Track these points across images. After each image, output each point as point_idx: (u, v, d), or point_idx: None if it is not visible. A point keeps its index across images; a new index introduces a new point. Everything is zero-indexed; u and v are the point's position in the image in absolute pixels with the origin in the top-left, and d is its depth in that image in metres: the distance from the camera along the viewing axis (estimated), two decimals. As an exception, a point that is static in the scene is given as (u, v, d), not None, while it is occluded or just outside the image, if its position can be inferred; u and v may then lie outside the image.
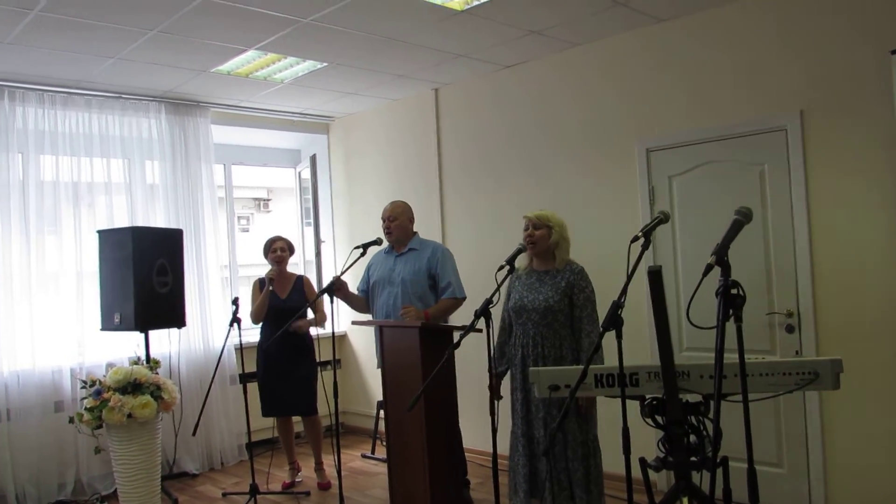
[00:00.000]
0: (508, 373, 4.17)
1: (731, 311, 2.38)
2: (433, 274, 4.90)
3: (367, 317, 5.25)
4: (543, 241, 4.00)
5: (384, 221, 5.01)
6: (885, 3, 4.10)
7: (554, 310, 3.91)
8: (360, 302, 5.20)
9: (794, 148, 4.47)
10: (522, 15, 4.83)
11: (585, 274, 3.99)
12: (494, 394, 3.87)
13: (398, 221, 4.99)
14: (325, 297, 4.83)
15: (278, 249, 5.63)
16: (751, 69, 4.65)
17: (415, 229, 5.12)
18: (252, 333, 6.09)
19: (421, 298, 4.84)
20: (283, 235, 5.79)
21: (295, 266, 7.08)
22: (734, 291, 2.38)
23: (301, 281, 5.74)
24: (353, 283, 5.35)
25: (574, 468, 3.84)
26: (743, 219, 2.64)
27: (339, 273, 4.88)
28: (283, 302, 5.54)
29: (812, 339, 4.43)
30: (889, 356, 4.13)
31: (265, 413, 5.64)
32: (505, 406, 4.08)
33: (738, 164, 4.74)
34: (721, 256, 2.44)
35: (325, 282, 6.25)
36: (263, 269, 5.71)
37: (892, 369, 4.13)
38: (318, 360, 5.63)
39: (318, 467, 5.81)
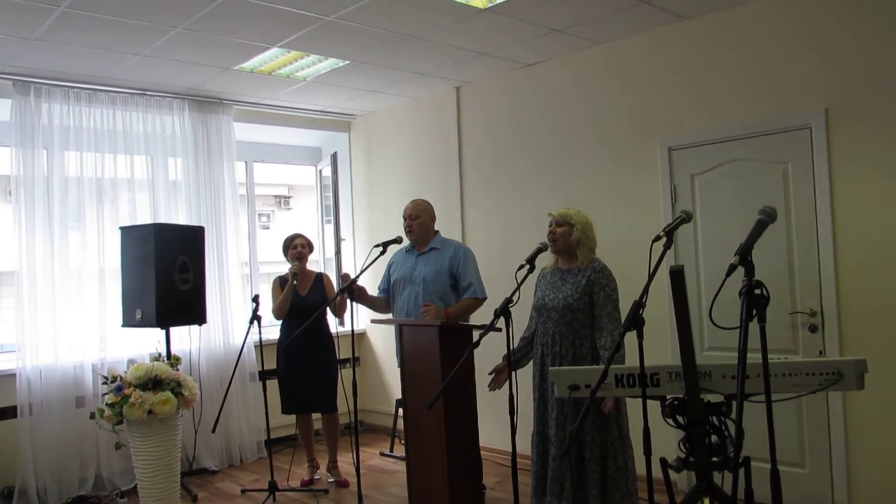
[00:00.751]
0: (531, 371, 4.14)
1: (754, 312, 2.35)
2: (454, 273, 4.89)
3: (388, 315, 5.25)
4: (565, 238, 3.97)
5: (406, 220, 5.01)
6: (913, 1, 4.06)
7: (573, 308, 3.88)
8: (380, 303, 5.21)
9: (819, 146, 4.42)
10: (545, 13, 4.81)
11: (608, 272, 3.94)
12: (492, 381, 4.00)
13: (420, 220, 4.98)
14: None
15: (299, 245, 5.65)
16: (775, 67, 4.60)
17: (436, 228, 5.11)
18: (272, 331, 6.11)
19: (442, 298, 4.83)
20: (302, 233, 5.81)
21: (315, 264, 7.11)
22: (758, 292, 2.36)
23: (321, 278, 5.76)
24: (372, 281, 5.35)
25: (591, 469, 3.81)
26: (767, 218, 2.61)
27: (358, 272, 4.88)
28: (304, 299, 5.56)
29: (836, 339, 4.38)
30: (915, 358, 4.08)
31: (284, 410, 5.65)
32: (525, 405, 4.08)
33: (762, 162, 4.69)
34: (745, 256, 2.42)
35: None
36: (284, 266, 5.72)
37: (918, 372, 4.08)
38: (338, 357, 5.64)
39: (333, 466, 5.82)
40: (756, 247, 2.48)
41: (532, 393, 4.10)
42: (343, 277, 4.90)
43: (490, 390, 4.19)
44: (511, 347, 3.75)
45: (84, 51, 5.16)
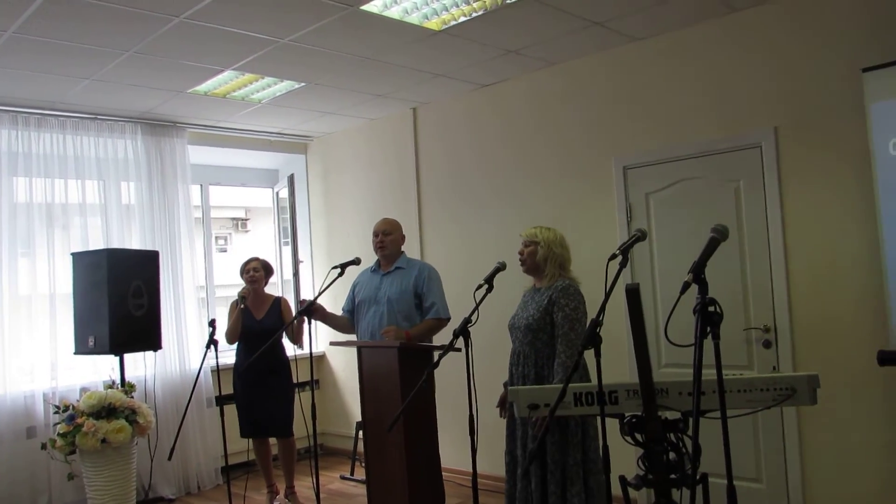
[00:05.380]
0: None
1: (708, 329, 2.38)
2: (419, 293, 4.85)
3: (346, 337, 5.21)
4: (531, 258, 3.98)
5: (377, 236, 4.95)
6: (857, 22, 4.17)
7: (533, 328, 3.86)
8: (341, 322, 5.13)
9: (769, 164, 4.52)
10: (499, 35, 4.86)
11: (570, 290, 3.86)
12: (501, 410, 3.94)
13: (392, 236, 4.95)
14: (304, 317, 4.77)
15: (251, 270, 5.58)
16: (725, 87, 4.70)
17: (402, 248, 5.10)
18: (229, 355, 6.03)
19: (407, 318, 4.79)
20: (260, 256, 5.75)
21: (273, 286, 7.04)
22: (711, 309, 2.38)
23: (279, 302, 5.69)
24: (331, 302, 5.31)
25: (551, 491, 3.79)
26: (719, 236, 2.64)
27: (316, 294, 4.84)
28: (259, 323, 5.49)
29: (789, 354, 4.45)
30: (865, 369, 4.15)
31: (243, 434, 5.57)
32: (495, 425, 4.08)
33: (714, 180, 4.77)
34: (698, 274, 2.45)
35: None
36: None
37: (868, 382, 4.16)
38: (295, 381, 5.58)
39: (290, 492, 5.72)
40: (710, 264, 2.51)
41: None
42: (301, 303, 4.85)
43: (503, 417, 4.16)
44: (471, 368, 3.72)
45: (33, 75, 5.07)
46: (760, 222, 4.58)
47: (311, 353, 4.81)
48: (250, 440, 5.62)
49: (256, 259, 5.69)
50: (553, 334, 3.85)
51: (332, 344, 5.27)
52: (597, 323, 2.75)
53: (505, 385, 4.11)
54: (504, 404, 4.12)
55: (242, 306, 5.42)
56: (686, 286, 2.43)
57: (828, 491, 4.35)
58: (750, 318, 4.63)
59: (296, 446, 5.75)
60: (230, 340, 5.53)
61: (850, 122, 4.18)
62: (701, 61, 4.82)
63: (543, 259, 3.96)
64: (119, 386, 5.35)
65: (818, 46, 4.33)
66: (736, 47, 4.66)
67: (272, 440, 5.77)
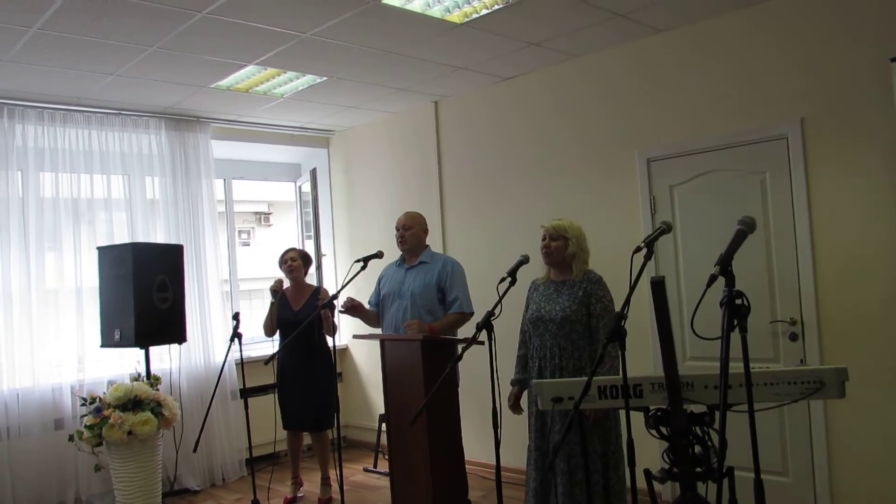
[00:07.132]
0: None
1: (735, 321, 2.36)
2: (443, 287, 4.85)
3: (370, 330, 5.22)
4: (559, 252, 3.96)
5: (398, 230, 4.97)
6: (884, 11, 4.11)
7: (571, 320, 3.86)
8: (374, 317, 5.15)
9: (796, 156, 4.46)
10: (521, 27, 4.84)
11: (603, 283, 3.92)
12: (514, 409, 3.90)
13: (413, 230, 4.96)
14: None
15: (289, 260, 5.62)
16: (751, 78, 4.65)
17: (426, 242, 5.09)
18: (253, 349, 6.08)
19: (431, 312, 4.80)
20: (297, 247, 5.78)
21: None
22: (739, 301, 2.36)
23: (318, 293, 5.69)
24: (356, 295, 5.32)
25: (595, 481, 3.78)
26: (746, 228, 2.62)
27: (338, 288, 4.85)
28: (297, 314, 5.49)
29: (816, 347, 4.41)
30: (894, 362, 4.10)
31: (284, 426, 5.64)
32: (519, 419, 4.07)
33: (740, 172, 4.73)
34: (725, 267, 2.42)
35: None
36: (266, 283, 5.69)
37: (898, 377, 4.12)
38: (336, 372, 5.54)
39: (325, 482, 5.73)
40: (736, 256, 2.49)
41: (528, 406, 4.08)
42: (348, 303, 4.86)
43: (517, 414, 4.16)
44: (494, 361, 3.72)
45: (58, 71, 5.12)
46: (787, 214, 4.53)
47: (334, 346, 4.81)
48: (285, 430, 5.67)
49: (294, 249, 5.73)
50: (587, 325, 3.87)
51: (355, 337, 5.29)
52: (621, 316, 2.74)
53: (512, 383, 4.12)
54: (518, 403, 4.11)
55: (273, 300, 5.45)
56: (713, 279, 2.41)
57: (855, 485, 4.30)
58: (776, 310, 4.58)
59: (329, 439, 5.75)
60: (268, 333, 5.58)
61: (878, 113, 4.12)
62: (725, 52, 4.76)
63: (572, 254, 3.95)
64: (145, 378, 5.40)
65: (845, 36, 4.27)
66: (761, 37, 4.60)
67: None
